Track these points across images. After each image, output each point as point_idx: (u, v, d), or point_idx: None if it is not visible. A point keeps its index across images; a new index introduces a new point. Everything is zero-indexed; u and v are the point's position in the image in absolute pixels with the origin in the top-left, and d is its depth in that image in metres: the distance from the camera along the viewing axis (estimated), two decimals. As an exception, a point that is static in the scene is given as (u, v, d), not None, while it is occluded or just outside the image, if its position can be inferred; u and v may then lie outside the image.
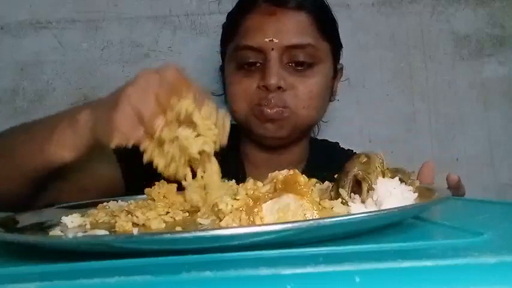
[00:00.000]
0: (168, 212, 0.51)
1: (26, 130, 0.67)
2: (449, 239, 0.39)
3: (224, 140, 0.55)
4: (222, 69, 0.95)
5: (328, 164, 0.70)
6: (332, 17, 0.93)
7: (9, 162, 0.65)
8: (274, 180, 0.47)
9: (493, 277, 0.29)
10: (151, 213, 0.49)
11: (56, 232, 0.45)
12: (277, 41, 0.84)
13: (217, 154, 0.55)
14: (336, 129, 1.15)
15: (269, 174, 0.48)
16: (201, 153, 0.53)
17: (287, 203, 0.42)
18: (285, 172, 0.47)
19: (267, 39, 0.84)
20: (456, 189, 0.72)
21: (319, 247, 0.36)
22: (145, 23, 1.18)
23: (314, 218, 0.42)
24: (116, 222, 0.47)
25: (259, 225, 0.41)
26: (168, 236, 0.36)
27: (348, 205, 0.46)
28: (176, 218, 0.51)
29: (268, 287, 0.29)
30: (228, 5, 0.97)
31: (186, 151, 0.52)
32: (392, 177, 0.49)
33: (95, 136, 0.57)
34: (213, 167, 0.55)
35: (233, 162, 0.91)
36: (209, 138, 0.53)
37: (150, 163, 0.54)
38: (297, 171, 0.47)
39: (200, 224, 0.46)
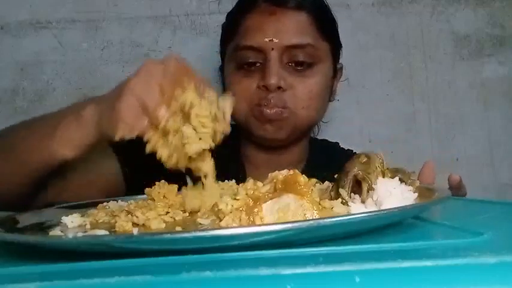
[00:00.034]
0: (168, 212, 0.51)
1: (27, 127, 0.66)
2: (449, 239, 0.39)
3: (227, 129, 0.55)
4: (221, 69, 0.95)
5: (328, 164, 0.70)
6: (332, 16, 0.93)
7: (10, 159, 0.65)
8: (274, 180, 0.47)
9: (493, 277, 0.29)
10: (151, 213, 0.49)
11: (56, 232, 0.45)
12: (277, 40, 0.84)
13: (217, 154, 0.55)
14: (336, 129, 1.15)
15: (269, 174, 0.48)
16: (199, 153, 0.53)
17: (287, 203, 0.42)
18: (285, 172, 0.47)
19: (266, 39, 0.84)
20: (457, 189, 0.72)
21: (319, 247, 0.36)
22: (145, 23, 1.18)
23: (314, 218, 0.42)
24: (116, 222, 0.47)
25: (259, 225, 0.41)
26: (168, 236, 0.36)
27: (348, 205, 0.46)
28: (176, 218, 0.50)
29: (268, 287, 0.29)
30: (228, 5, 0.97)
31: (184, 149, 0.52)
32: (393, 177, 0.49)
33: (100, 130, 0.57)
34: (207, 166, 0.55)
35: (233, 163, 0.91)
36: (204, 136, 0.53)
37: (150, 155, 0.53)
38: (297, 171, 0.47)
39: (200, 224, 0.46)
